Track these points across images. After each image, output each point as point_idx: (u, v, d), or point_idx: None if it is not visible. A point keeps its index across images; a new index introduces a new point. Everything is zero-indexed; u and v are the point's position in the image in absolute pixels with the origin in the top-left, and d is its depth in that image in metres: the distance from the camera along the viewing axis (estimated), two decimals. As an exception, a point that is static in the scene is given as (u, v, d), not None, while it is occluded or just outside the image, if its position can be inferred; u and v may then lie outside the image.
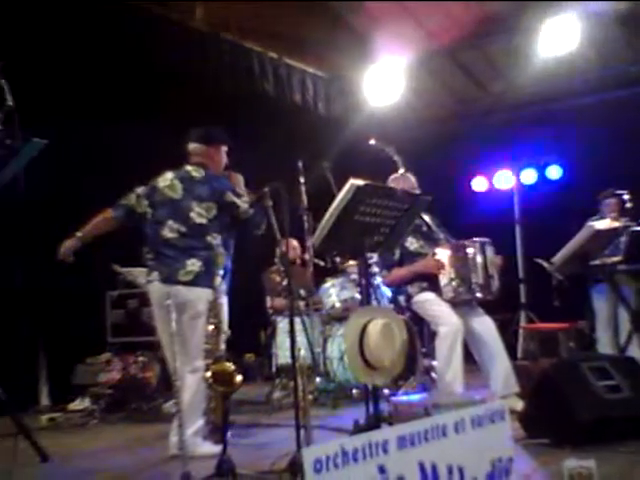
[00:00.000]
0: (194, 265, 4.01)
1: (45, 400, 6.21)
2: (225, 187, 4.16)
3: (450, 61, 7.99)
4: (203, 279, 3.99)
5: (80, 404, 5.95)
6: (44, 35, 5.43)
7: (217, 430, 3.42)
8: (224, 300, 4.02)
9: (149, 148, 6.66)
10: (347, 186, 3.37)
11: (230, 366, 3.31)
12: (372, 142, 4.73)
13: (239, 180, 4.31)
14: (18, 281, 2.53)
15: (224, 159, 4.40)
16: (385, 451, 2.19)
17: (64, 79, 5.80)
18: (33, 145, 2.43)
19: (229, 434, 3.38)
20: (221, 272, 4.03)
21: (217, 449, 3.36)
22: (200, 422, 3.92)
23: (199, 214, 4.09)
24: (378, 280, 5.46)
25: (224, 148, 4.42)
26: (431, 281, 4.94)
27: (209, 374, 3.30)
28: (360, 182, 3.34)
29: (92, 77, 5.99)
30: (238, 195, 4.12)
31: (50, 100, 5.69)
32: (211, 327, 3.51)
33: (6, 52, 2.81)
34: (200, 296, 3.93)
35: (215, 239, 4.09)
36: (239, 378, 3.27)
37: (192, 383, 3.87)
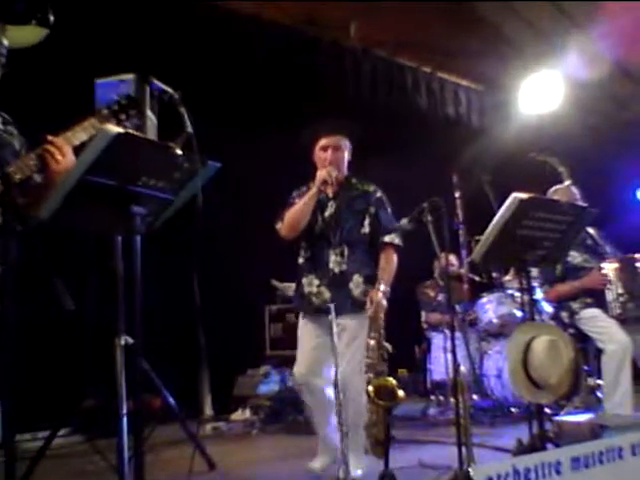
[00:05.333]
0: None
1: (208, 410, 6.45)
2: None
3: (612, 66, 7.66)
4: None
5: (241, 414, 6.15)
6: (214, 61, 5.74)
7: (379, 444, 3.42)
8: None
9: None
10: (510, 200, 3.30)
11: (392, 381, 3.33)
12: (533, 154, 4.62)
13: None
14: (196, 297, 2.66)
15: (318, 160, 3.98)
16: (558, 472, 2.14)
17: (235, 100, 6.09)
18: (209, 168, 2.57)
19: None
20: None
21: None
22: None
23: None
24: (538, 295, 5.30)
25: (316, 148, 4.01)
26: (597, 297, 4.74)
27: (371, 388, 3.33)
28: (523, 195, 3.27)
29: (258, 97, 6.23)
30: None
31: (223, 121, 5.98)
32: (372, 342, 3.54)
33: (183, 81, 3.00)
34: None
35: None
36: (401, 393, 3.28)
37: None
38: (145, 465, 2.50)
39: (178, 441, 4.76)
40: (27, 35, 2.63)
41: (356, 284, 3.83)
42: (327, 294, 3.79)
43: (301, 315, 4.00)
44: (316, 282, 3.84)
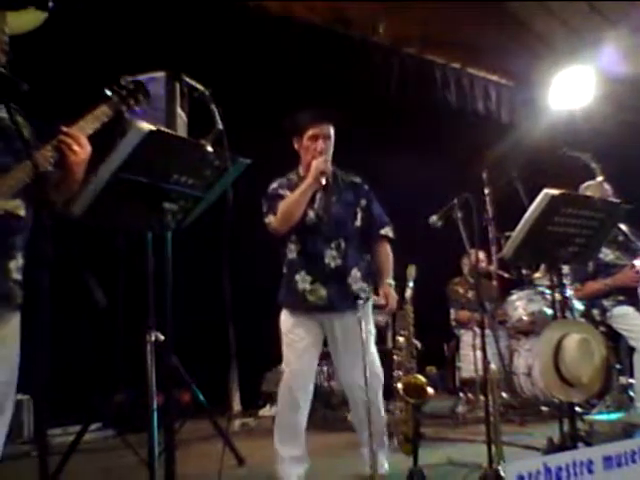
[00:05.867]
0: None
1: (237, 406, 6.48)
2: None
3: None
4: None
5: (270, 410, 6.17)
6: (243, 59, 5.78)
7: (408, 442, 3.43)
8: None
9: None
10: (541, 196, 3.27)
11: (421, 378, 3.33)
12: (565, 150, 4.56)
13: None
14: (226, 293, 2.67)
15: (306, 150, 3.71)
16: (590, 471, 2.12)
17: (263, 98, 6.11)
18: (239, 165, 2.57)
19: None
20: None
21: None
22: None
23: None
24: (569, 292, 5.26)
25: (304, 135, 3.70)
26: (629, 294, 4.70)
27: (400, 386, 3.33)
28: (555, 191, 3.24)
29: (287, 95, 6.25)
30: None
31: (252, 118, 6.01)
32: (401, 339, 3.54)
33: (215, 76, 3.02)
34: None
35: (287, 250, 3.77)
36: (430, 390, 3.28)
37: None
38: (176, 460, 2.52)
39: (207, 436, 4.79)
40: (26, 20, 2.58)
41: (354, 279, 3.63)
42: (323, 291, 3.57)
43: (288, 312, 3.70)
44: (309, 278, 3.59)
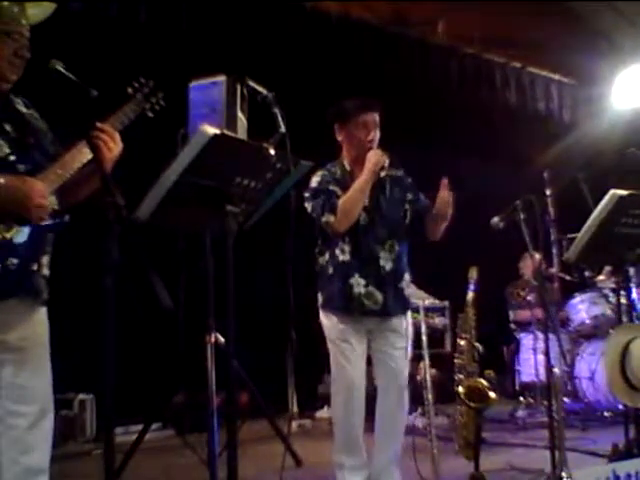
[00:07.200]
0: None
1: (294, 408, 6.50)
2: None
3: None
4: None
5: (326, 412, 6.17)
6: (302, 60, 5.81)
7: (468, 446, 3.39)
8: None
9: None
10: (608, 197, 3.21)
11: (483, 382, 3.29)
12: (633, 150, 4.45)
13: None
14: (290, 296, 2.68)
15: (357, 140, 3.43)
16: (662, 481, 2.06)
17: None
18: (301, 168, 2.57)
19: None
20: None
21: None
22: None
23: None
24: (634, 296, 5.13)
25: (352, 122, 3.44)
26: (699, 298, 4.56)
27: (462, 390, 3.30)
28: (622, 192, 3.16)
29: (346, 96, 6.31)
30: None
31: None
32: (462, 342, 3.50)
33: (282, 77, 3.02)
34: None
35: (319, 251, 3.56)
36: (493, 394, 3.24)
37: None
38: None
39: (263, 437, 4.81)
40: (39, 12, 2.58)
41: (407, 284, 3.47)
42: (379, 295, 3.35)
43: (335, 317, 3.41)
44: (362, 281, 3.35)
